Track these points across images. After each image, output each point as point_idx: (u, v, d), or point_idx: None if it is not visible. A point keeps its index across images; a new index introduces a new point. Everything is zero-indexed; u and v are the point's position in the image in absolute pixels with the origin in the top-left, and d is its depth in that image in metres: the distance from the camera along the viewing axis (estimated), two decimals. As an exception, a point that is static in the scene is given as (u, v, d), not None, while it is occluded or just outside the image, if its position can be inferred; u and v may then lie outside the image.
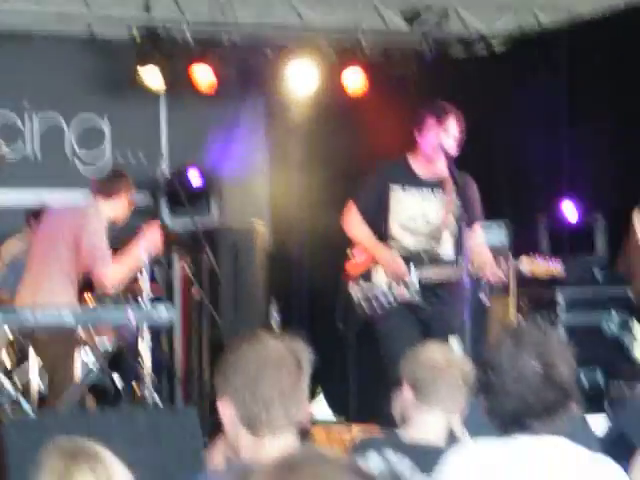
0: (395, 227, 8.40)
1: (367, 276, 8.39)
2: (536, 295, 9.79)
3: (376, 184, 8.47)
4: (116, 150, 13.01)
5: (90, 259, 8.95)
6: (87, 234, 9.05)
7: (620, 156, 9.74)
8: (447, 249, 8.43)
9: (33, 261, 9.40)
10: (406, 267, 8.26)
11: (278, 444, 3.90)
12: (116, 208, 9.32)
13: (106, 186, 9.34)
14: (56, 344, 9.16)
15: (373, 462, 4.06)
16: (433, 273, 8.33)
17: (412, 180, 8.44)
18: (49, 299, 9.08)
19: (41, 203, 10.86)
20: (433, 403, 5.07)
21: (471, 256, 8.05)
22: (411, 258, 8.35)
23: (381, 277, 8.35)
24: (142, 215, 11.40)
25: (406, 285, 8.26)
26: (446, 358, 5.23)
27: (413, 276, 8.26)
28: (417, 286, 8.29)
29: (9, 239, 11.00)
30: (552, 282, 9.45)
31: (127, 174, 9.79)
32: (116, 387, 9.83)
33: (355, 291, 8.36)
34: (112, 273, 9.03)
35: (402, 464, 4.45)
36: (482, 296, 8.68)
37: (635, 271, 9.30)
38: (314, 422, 9.83)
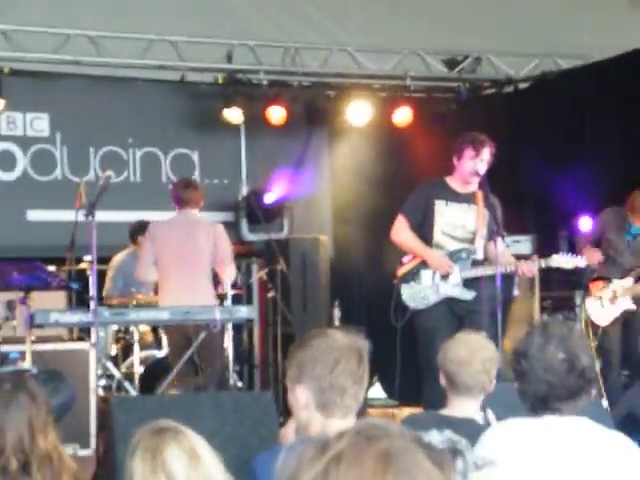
0: (438, 234, 8.38)
1: (415, 277, 8.32)
2: (557, 296, 9.71)
3: (422, 200, 8.44)
4: (204, 177, 12.99)
5: (226, 260, 9.27)
6: (224, 241, 9.36)
7: (628, 176, 9.64)
8: (480, 252, 8.39)
9: (171, 271, 9.37)
10: (450, 264, 8.25)
11: (345, 424, 3.87)
12: None
13: (197, 195, 9.46)
14: (175, 334, 9.43)
15: (432, 437, 3.99)
16: (472, 271, 8.31)
17: (452, 196, 8.44)
18: (200, 298, 9.25)
19: (141, 220, 10.91)
20: (461, 390, 5.08)
21: (501, 257, 8.18)
22: (452, 259, 8.33)
23: (427, 276, 8.30)
24: (226, 230, 11.41)
25: (450, 280, 8.23)
26: (470, 350, 5.20)
27: (456, 272, 8.23)
28: (460, 280, 8.25)
29: (116, 254, 11.00)
30: (570, 284, 9.41)
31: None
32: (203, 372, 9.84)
33: (405, 289, 8.29)
34: (234, 273, 9.38)
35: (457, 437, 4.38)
36: (514, 290, 8.68)
37: None
38: (371, 404, 9.80)
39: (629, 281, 9.19)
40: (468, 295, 8.30)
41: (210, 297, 9.39)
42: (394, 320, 8.36)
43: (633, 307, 9.22)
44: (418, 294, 8.30)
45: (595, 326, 9.11)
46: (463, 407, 5.07)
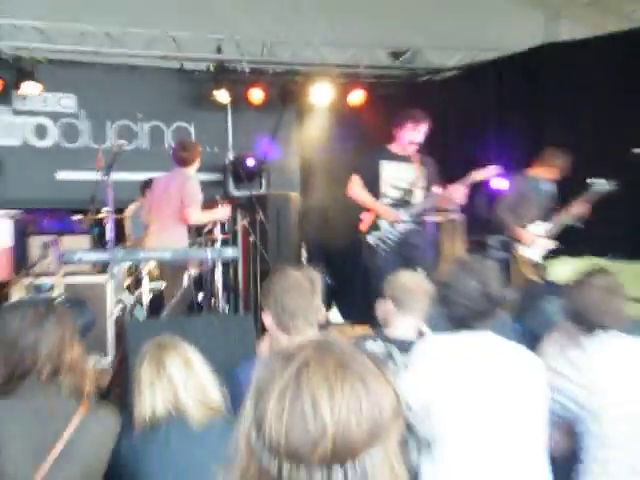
0: (385, 186, 8.41)
1: (375, 227, 8.36)
2: (476, 239, 9.73)
3: (370, 161, 8.49)
4: (201, 147, 12.94)
5: (186, 204, 8.92)
6: (186, 190, 9.03)
7: (533, 149, 9.66)
8: (419, 199, 8.44)
9: (154, 216, 9.29)
10: (397, 212, 8.29)
11: (303, 339, 3.92)
12: (195, 168, 9.38)
13: (189, 156, 9.35)
14: (170, 270, 9.29)
15: (370, 346, 4.04)
16: (414, 211, 8.39)
17: (393, 157, 8.48)
18: (171, 241, 9.10)
19: (149, 178, 10.90)
20: (407, 312, 5.09)
21: (435, 202, 8.45)
22: (399, 205, 8.36)
23: (384, 224, 8.34)
24: (216, 187, 11.45)
25: (401, 222, 8.26)
26: (415, 281, 5.25)
27: (403, 215, 8.29)
28: (406, 220, 8.34)
29: (130, 205, 11.00)
30: (487, 231, 9.44)
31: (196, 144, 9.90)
32: (199, 301, 9.85)
33: (371, 238, 8.33)
34: (195, 216, 9.03)
35: (391, 348, 4.43)
36: (452, 216, 8.79)
37: None
38: (330, 324, 9.84)
39: (542, 226, 9.23)
40: (416, 229, 8.42)
41: (178, 239, 9.22)
42: (366, 261, 8.42)
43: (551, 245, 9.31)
44: (379, 239, 8.34)
45: (526, 263, 9.15)
46: (406, 326, 5.10)
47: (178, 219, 9.09)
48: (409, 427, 3.78)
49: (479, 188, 8.96)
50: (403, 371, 4.12)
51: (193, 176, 9.23)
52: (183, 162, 9.36)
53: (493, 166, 8.67)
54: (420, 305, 5.12)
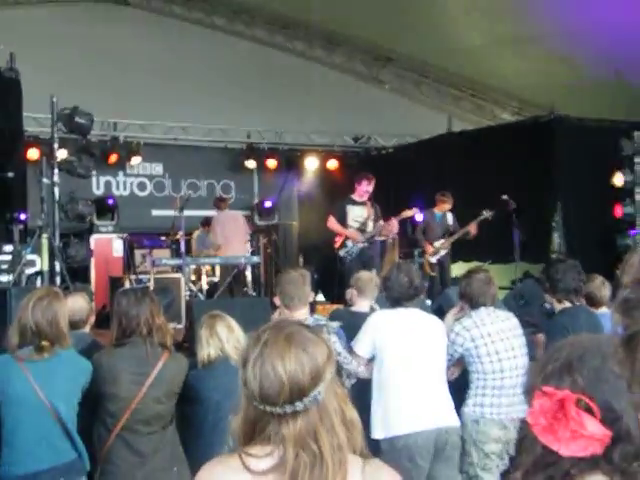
0: (350, 221, 8.30)
1: (344, 245, 8.25)
2: (405, 250, 9.70)
3: (341, 206, 8.39)
4: (237, 193, 12.94)
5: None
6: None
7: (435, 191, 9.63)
8: (370, 228, 8.31)
9: (225, 236, 9.54)
10: (358, 234, 8.20)
11: (299, 313, 3.93)
12: None
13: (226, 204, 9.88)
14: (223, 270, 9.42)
15: (309, 320, 3.98)
16: (367, 235, 8.26)
17: (354, 202, 8.35)
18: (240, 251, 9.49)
19: (205, 218, 10.89)
20: (366, 295, 5.04)
21: (380, 230, 8.26)
22: (358, 231, 8.27)
23: (350, 243, 8.21)
24: (247, 219, 11.41)
25: (360, 242, 8.18)
26: (370, 277, 5.22)
27: (361, 237, 8.20)
28: (363, 240, 8.21)
29: (195, 231, 10.92)
30: (412, 244, 9.38)
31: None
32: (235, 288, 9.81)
33: (341, 252, 8.25)
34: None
35: (322, 317, 4.37)
36: (389, 240, 8.74)
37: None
38: (317, 303, 9.79)
39: (439, 242, 9.20)
40: (367, 248, 8.28)
41: (244, 251, 9.57)
42: (339, 265, 8.33)
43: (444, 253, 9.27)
44: (346, 252, 8.25)
45: (432, 265, 9.12)
46: (364, 304, 5.03)
47: (246, 242, 9.88)
48: (340, 365, 3.79)
49: (406, 220, 8.95)
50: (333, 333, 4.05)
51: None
52: (223, 206, 9.97)
53: (414, 209, 8.73)
54: (371, 291, 5.10)
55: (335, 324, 4.08)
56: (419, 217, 9.30)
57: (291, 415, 1.53)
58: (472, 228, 8.95)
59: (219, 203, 10.07)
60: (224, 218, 9.75)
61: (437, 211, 9.22)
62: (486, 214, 8.85)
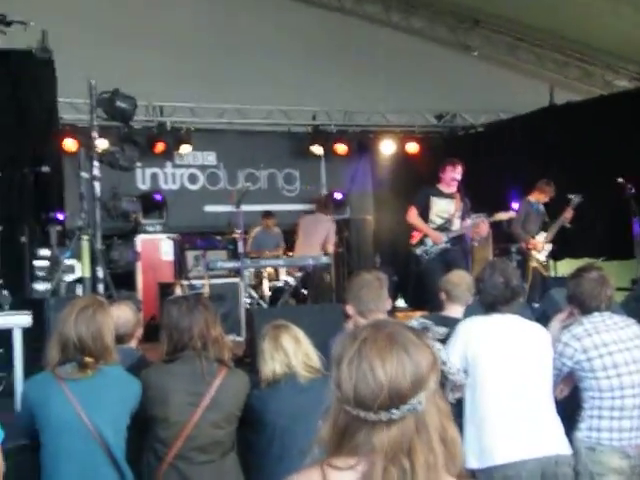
0: (432, 216, 8.29)
1: (421, 243, 8.26)
2: (502, 247, 9.59)
3: (423, 196, 8.37)
4: (302, 183, 13.10)
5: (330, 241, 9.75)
6: (331, 233, 10.01)
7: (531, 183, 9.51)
8: (456, 226, 8.27)
9: (301, 239, 10.24)
10: (440, 235, 8.19)
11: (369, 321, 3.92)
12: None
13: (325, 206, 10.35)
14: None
15: (411, 323, 3.99)
16: (451, 235, 8.24)
17: (440, 194, 8.33)
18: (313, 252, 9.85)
19: (265, 212, 11.04)
20: (455, 301, 5.01)
21: (468, 227, 8.23)
22: (441, 229, 8.26)
23: (429, 241, 8.22)
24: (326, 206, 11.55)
25: (442, 243, 8.16)
26: (461, 278, 5.18)
27: (444, 238, 8.16)
28: (446, 241, 8.18)
29: (254, 228, 11.06)
30: (508, 239, 9.32)
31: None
32: (304, 294, 9.87)
33: (418, 250, 8.25)
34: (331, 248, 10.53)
35: (427, 324, 4.36)
36: (475, 243, 8.66)
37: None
38: (397, 309, 9.77)
39: (542, 236, 9.12)
40: (451, 247, 8.27)
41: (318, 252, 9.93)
42: (414, 265, 8.37)
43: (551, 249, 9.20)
44: (424, 251, 8.24)
45: (542, 264, 9.07)
46: (455, 310, 5.01)
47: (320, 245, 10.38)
48: (444, 376, 3.78)
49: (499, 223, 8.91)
50: (449, 338, 4.07)
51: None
52: (317, 210, 10.79)
53: (510, 211, 8.73)
54: (464, 296, 5.05)
55: (442, 330, 4.07)
56: (514, 206, 9.20)
57: (385, 423, 1.58)
58: (568, 214, 8.95)
59: (316, 207, 11.19)
60: (305, 218, 10.13)
61: (534, 200, 9.14)
62: (575, 198, 8.85)
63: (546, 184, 9.13)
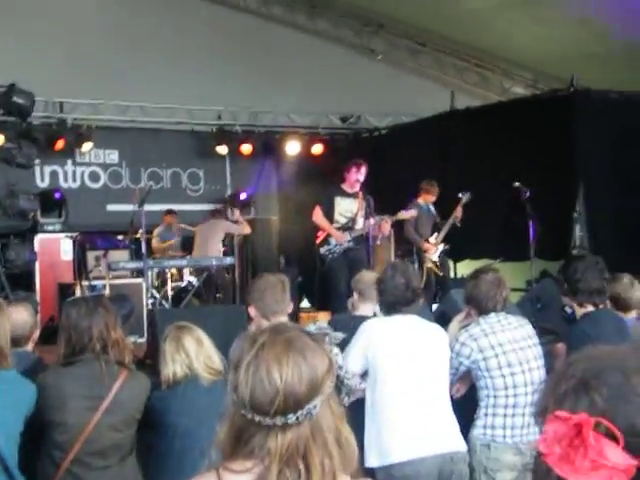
0: (337, 215, 8.40)
1: (326, 242, 8.34)
2: (403, 248, 9.71)
3: (328, 197, 8.44)
4: (206, 184, 13.02)
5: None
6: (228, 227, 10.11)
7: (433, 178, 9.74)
8: (359, 225, 8.39)
9: (201, 240, 10.21)
10: (344, 234, 8.27)
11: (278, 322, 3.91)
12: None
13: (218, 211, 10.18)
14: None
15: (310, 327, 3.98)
16: (354, 234, 8.36)
17: (344, 194, 8.43)
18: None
19: (168, 209, 10.95)
20: (368, 299, 4.96)
21: (372, 226, 8.24)
22: (344, 229, 8.35)
23: (333, 242, 8.30)
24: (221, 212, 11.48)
25: (345, 242, 8.24)
26: (372, 277, 5.17)
27: (347, 237, 8.26)
28: (349, 240, 8.29)
29: (156, 229, 10.95)
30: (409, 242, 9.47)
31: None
32: (206, 295, 9.81)
33: (322, 249, 8.32)
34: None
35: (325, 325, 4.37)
36: (378, 242, 8.78)
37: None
38: (301, 310, 9.80)
39: (433, 237, 9.35)
40: (354, 247, 8.36)
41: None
42: (319, 264, 8.44)
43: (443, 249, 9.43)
44: (328, 250, 8.31)
45: (436, 264, 9.27)
46: (367, 309, 4.94)
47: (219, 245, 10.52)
48: (340, 380, 3.81)
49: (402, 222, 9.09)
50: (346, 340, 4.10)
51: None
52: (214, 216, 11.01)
53: (412, 210, 8.92)
54: (373, 295, 5.06)
55: (340, 335, 4.08)
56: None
57: (280, 428, 1.59)
58: (458, 212, 9.29)
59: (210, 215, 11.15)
60: (202, 224, 10.14)
61: (422, 202, 9.40)
62: (464, 196, 9.23)
63: (428, 184, 9.45)
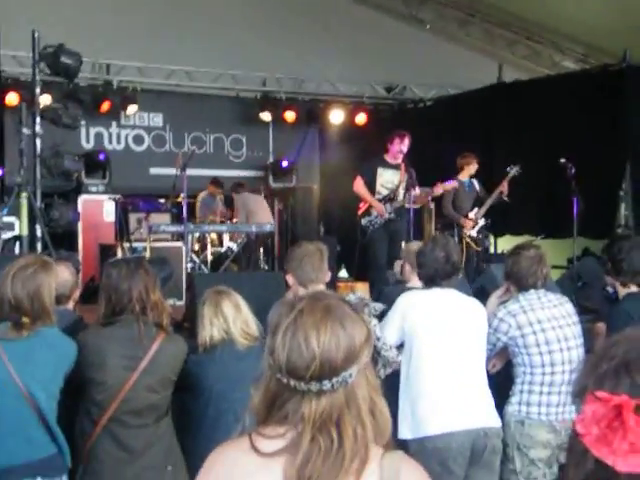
0: (378, 187, 8.35)
1: (367, 213, 8.31)
2: (442, 220, 9.63)
3: (370, 167, 8.42)
4: (249, 151, 13.03)
5: None
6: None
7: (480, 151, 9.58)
8: (401, 197, 8.34)
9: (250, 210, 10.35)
10: (385, 207, 8.23)
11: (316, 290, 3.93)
12: None
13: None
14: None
15: (350, 297, 3.98)
16: (395, 207, 8.31)
17: (386, 165, 8.38)
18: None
19: (213, 179, 11.02)
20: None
21: (413, 197, 8.23)
22: (386, 200, 8.32)
23: (374, 213, 8.26)
24: (260, 181, 11.47)
25: (386, 214, 8.21)
26: (415, 248, 5.13)
27: (388, 209, 8.22)
28: (390, 212, 8.25)
29: (200, 193, 11.01)
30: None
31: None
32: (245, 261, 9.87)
33: (363, 221, 8.30)
34: None
35: (365, 296, 4.36)
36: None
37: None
38: (339, 280, 9.81)
39: (473, 212, 9.15)
40: (395, 219, 8.32)
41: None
42: (359, 235, 8.42)
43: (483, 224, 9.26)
44: (369, 222, 8.29)
45: (474, 239, 9.11)
46: (417, 280, 4.88)
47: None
48: (377, 352, 3.82)
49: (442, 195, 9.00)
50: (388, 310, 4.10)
51: None
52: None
53: (454, 181, 8.80)
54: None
55: (379, 306, 4.08)
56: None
57: (315, 394, 1.60)
58: (503, 187, 8.95)
59: (237, 188, 10.53)
60: (245, 198, 10.19)
61: (463, 178, 9.18)
62: (512, 170, 8.89)
63: (464, 157, 9.17)
